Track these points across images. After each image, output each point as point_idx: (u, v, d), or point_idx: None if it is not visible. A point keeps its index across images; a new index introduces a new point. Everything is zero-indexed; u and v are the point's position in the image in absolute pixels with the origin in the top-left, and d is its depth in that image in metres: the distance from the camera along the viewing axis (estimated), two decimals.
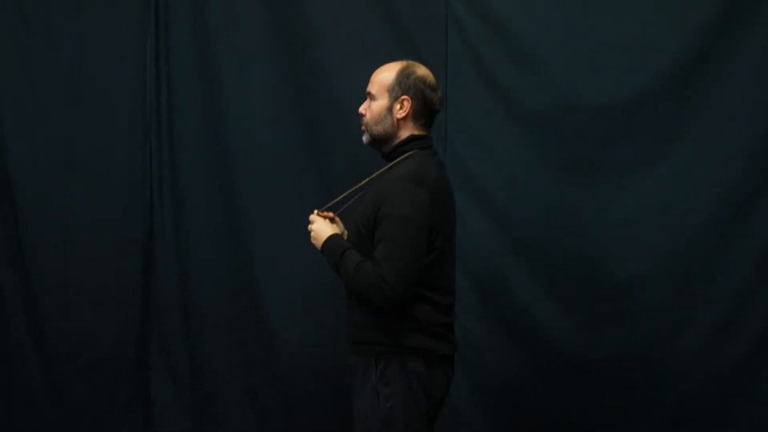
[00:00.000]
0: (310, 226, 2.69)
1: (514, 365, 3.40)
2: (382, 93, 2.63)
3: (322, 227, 2.66)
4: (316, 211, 2.70)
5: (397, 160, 2.61)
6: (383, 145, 2.66)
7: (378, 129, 2.64)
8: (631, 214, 3.28)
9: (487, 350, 3.43)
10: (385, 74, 2.64)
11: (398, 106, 2.61)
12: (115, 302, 3.90)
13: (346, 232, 2.74)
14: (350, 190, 2.74)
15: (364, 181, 2.70)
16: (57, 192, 3.94)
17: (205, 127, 3.85)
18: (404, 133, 2.63)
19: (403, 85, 2.61)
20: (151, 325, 3.91)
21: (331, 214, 2.72)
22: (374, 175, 2.67)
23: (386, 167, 2.64)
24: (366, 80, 2.72)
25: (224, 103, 3.80)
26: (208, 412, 3.81)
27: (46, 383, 3.93)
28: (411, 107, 2.60)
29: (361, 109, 2.69)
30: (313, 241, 2.67)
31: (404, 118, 2.61)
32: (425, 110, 2.63)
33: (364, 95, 2.71)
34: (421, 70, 2.65)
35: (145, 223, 3.91)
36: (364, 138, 2.70)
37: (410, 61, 2.68)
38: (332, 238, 2.62)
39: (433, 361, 2.54)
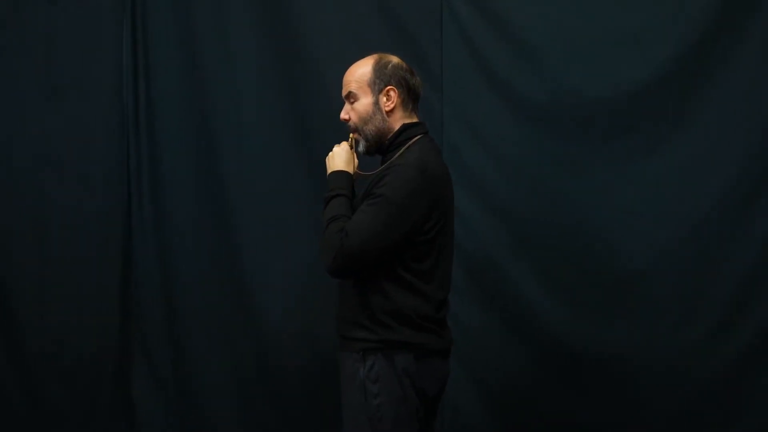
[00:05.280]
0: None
1: (515, 360, 3.37)
2: (364, 90, 2.57)
3: (341, 155, 2.61)
4: (353, 135, 2.62)
5: (400, 151, 2.53)
6: (379, 143, 2.58)
7: (370, 128, 2.57)
8: (632, 207, 3.26)
9: (487, 345, 3.39)
10: (361, 71, 2.59)
11: (384, 99, 2.56)
12: (94, 302, 3.79)
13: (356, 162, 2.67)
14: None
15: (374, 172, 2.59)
16: (32, 188, 3.81)
17: (186, 120, 3.76)
18: (396, 124, 2.57)
19: (384, 77, 2.56)
20: (132, 325, 3.81)
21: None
22: (378, 169, 2.56)
23: (392, 159, 2.53)
24: None
25: (207, 96, 3.71)
26: (195, 415, 3.72)
27: (22, 387, 3.78)
28: (398, 96, 2.56)
29: (344, 115, 2.62)
30: (327, 160, 2.64)
31: (393, 110, 2.56)
32: (410, 96, 2.60)
33: None
34: (395, 58, 2.62)
35: (123, 219, 3.81)
36: (361, 148, 2.61)
37: (380, 53, 2.63)
38: (340, 174, 2.57)
39: (423, 355, 2.49)
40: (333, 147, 2.65)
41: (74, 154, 3.80)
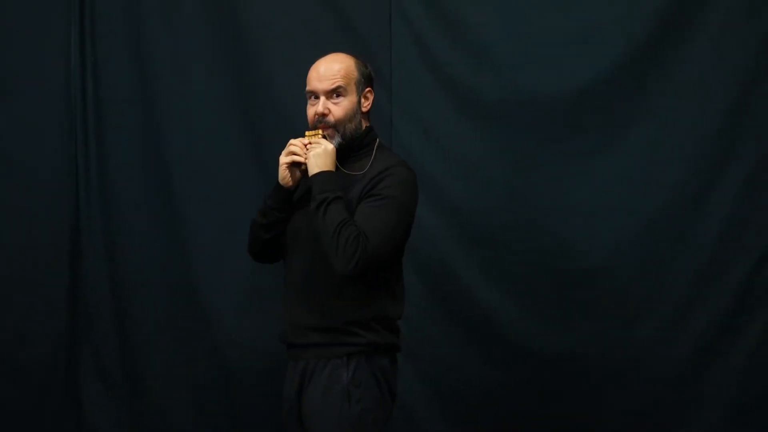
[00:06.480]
0: (311, 141, 2.45)
1: (469, 362, 3.37)
2: (352, 88, 2.48)
3: (330, 154, 2.43)
4: (321, 132, 2.46)
5: (372, 155, 2.49)
6: (350, 142, 2.50)
7: (351, 127, 2.48)
8: (584, 205, 3.29)
9: (441, 348, 3.39)
10: (347, 68, 2.50)
11: (364, 100, 2.52)
12: (42, 302, 3.72)
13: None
14: None
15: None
16: None
17: (135, 120, 3.71)
18: (363, 126, 2.53)
19: (366, 78, 2.53)
20: (81, 325, 3.75)
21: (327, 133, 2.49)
22: (365, 171, 2.47)
23: (372, 163, 2.47)
24: (306, 70, 2.53)
25: (156, 95, 3.67)
26: (146, 415, 3.68)
27: None
28: (372, 99, 2.54)
29: (323, 109, 2.47)
30: (311, 156, 2.41)
31: (367, 111, 2.53)
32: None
33: (304, 85, 2.51)
34: None
35: (71, 219, 3.75)
36: (336, 141, 2.48)
37: (349, 53, 2.57)
38: (331, 175, 2.42)
39: (395, 357, 2.50)
40: (288, 143, 2.49)
41: (21, 154, 3.73)
